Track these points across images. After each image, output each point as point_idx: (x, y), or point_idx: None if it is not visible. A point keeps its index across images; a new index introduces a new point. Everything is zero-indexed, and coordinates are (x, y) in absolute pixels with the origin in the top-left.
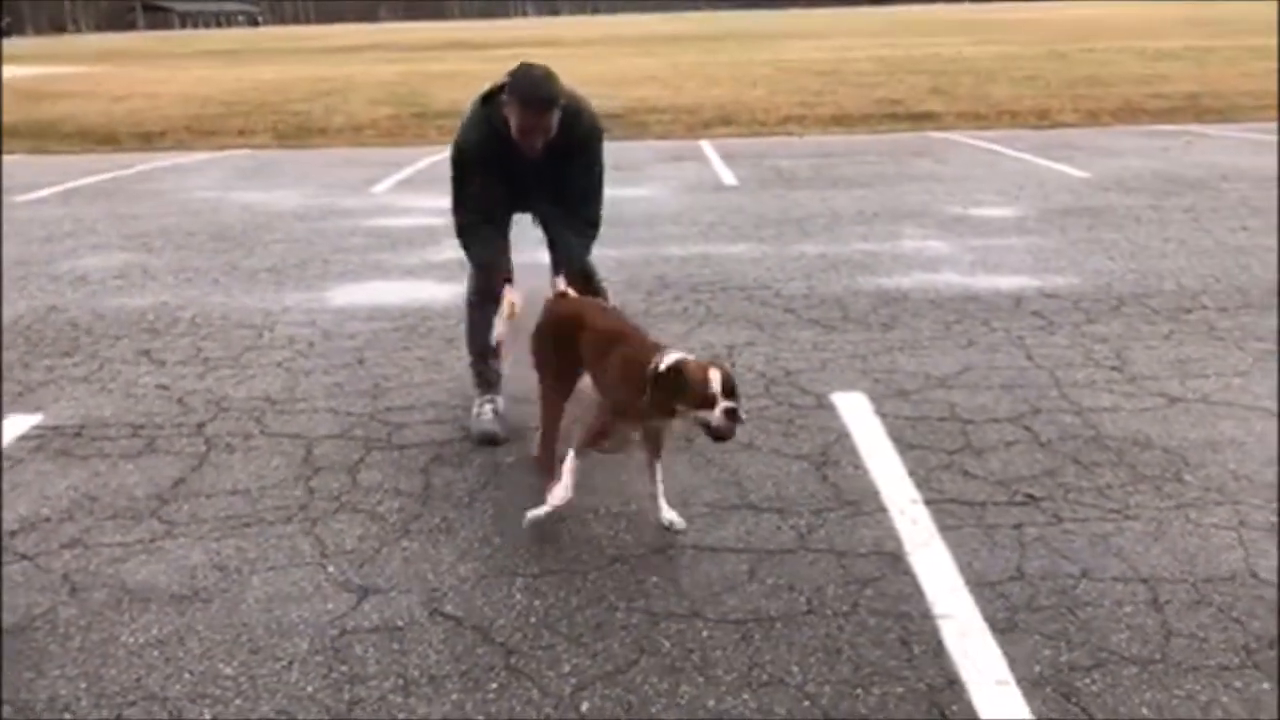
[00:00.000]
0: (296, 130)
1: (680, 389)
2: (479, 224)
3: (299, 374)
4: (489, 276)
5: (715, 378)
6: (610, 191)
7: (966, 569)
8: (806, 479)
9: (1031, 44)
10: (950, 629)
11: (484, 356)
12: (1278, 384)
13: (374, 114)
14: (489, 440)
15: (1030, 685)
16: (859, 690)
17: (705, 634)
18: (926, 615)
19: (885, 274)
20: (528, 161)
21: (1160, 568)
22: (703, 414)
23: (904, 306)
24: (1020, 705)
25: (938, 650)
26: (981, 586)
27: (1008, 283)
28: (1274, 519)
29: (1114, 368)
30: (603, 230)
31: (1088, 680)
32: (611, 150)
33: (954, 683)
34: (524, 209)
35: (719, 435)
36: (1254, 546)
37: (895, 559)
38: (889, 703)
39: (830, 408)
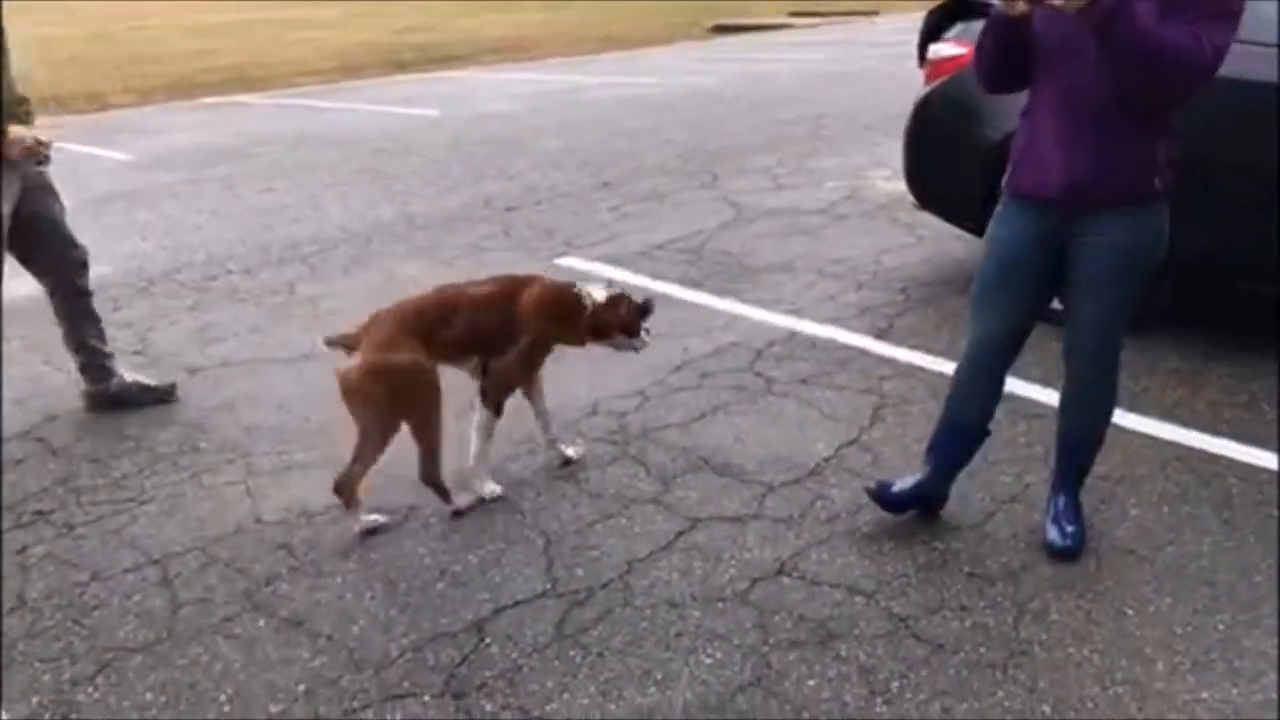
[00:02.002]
0: None
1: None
2: None
3: None
4: None
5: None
6: None
7: None
8: None
9: (72, 25)
10: None
11: None
12: None
13: None
14: None
15: None
16: None
17: None
18: None
19: None
20: None
21: (171, 543)
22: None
23: None
24: None
25: None
26: None
27: None
28: (279, 462)
29: (137, 351)
30: None
31: (90, 689)
32: None
33: None
34: None
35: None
36: (259, 492)
37: None
38: None
39: None
